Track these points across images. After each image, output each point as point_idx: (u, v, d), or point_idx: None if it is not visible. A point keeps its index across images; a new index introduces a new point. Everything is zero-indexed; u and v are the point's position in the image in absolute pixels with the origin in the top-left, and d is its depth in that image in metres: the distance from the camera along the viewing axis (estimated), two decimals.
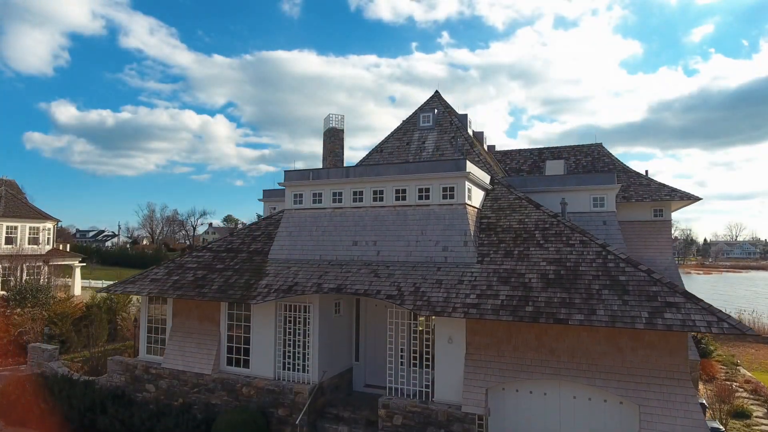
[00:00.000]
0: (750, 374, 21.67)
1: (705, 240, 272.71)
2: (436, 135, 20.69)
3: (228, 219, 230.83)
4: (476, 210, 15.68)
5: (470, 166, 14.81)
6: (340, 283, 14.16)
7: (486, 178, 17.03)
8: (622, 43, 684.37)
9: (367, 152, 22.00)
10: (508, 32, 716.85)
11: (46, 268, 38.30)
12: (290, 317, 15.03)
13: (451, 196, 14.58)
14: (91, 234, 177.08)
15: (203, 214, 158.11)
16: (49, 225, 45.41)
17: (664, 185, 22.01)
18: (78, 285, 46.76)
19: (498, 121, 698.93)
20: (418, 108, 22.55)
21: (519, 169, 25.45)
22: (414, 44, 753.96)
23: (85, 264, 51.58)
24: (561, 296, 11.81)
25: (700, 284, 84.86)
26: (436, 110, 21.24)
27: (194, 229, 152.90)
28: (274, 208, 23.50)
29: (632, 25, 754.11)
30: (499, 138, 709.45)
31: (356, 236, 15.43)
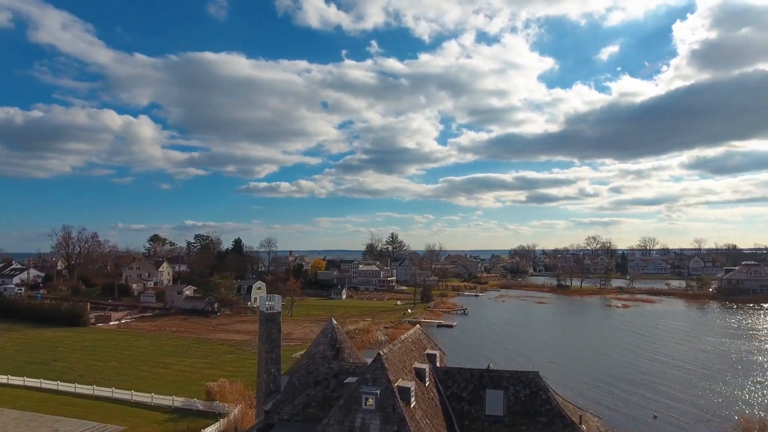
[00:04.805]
0: None
1: (623, 255, 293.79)
2: (379, 424, 19.94)
3: (154, 239, 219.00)
4: None
5: None
6: None
7: None
8: (539, 59, 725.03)
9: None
10: (434, 44, 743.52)
11: None
12: None
13: None
14: None
15: (130, 254, 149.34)
16: None
17: None
18: None
19: (429, 129, 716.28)
20: (362, 378, 21.66)
21: (460, 396, 25.32)
22: (344, 51, 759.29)
23: None
24: None
25: (616, 333, 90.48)
26: (379, 391, 20.50)
27: (118, 269, 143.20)
28: None
29: (548, 43, 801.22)
30: (430, 145, 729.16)
31: None
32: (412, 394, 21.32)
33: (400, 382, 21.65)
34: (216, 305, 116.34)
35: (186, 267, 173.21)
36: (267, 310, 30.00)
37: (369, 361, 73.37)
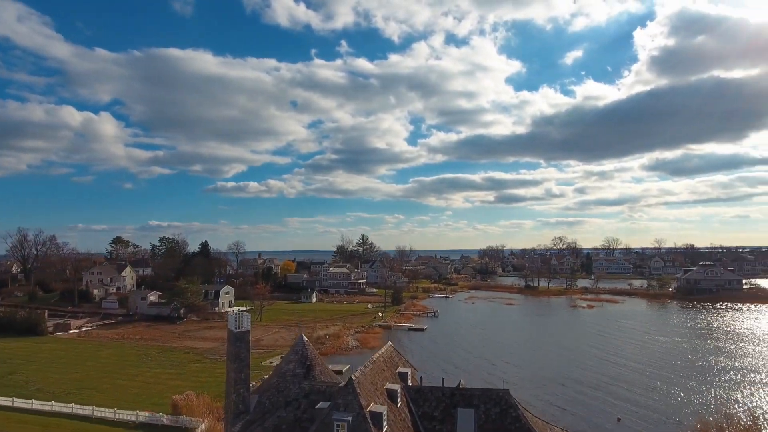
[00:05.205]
0: None
1: (588, 255, 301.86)
2: None
3: (117, 241, 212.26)
4: None
5: None
6: None
7: None
8: (507, 62, 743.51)
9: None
10: (404, 45, 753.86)
11: None
12: None
13: None
14: None
15: (91, 258, 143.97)
16: None
17: None
18: None
19: (399, 129, 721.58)
20: (334, 404, 21.43)
21: (431, 415, 25.37)
22: (313, 51, 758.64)
23: None
24: None
25: (581, 336, 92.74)
26: (351, 418, 20.32)
27: (78, 274, 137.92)
28: None
29: (515, 46, 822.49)
30: (400, 145, 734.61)
31: None
32: (384, 418, 21.22)
33: (372, 407, 21.51)
34: (182, 311, 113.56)
35: (150, 270, 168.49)
36: (236, 329, 29.24)
37: (342, 368, 72.60)
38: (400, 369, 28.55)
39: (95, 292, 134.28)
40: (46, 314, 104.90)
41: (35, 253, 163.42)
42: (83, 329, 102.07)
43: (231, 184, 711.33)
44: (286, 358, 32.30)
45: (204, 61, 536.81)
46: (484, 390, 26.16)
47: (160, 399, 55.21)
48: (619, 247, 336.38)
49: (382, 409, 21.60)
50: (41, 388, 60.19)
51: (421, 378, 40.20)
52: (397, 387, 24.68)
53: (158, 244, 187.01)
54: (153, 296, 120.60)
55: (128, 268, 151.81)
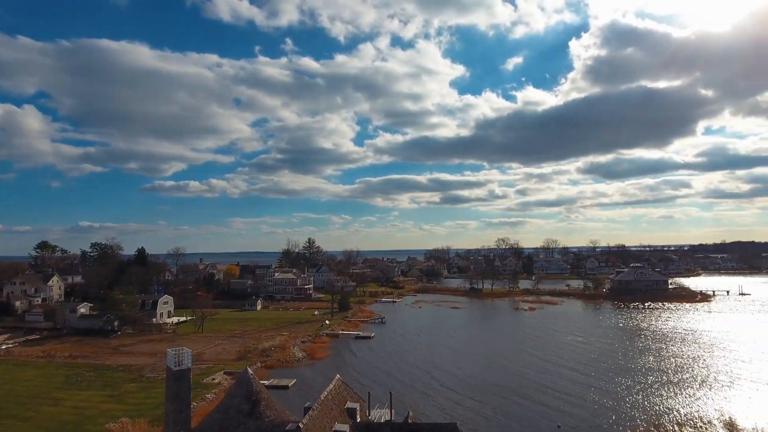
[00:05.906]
0: None
1: (529, 255, 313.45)
2: None
3: (43, 246, 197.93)
4: None
5: None
6: None
7: None
8: (451, 66, 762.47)
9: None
10: (350, 46, 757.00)
11: None
12: None
13: None
14: None
15: (12, 266, 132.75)
16: None
17: None
18: None
19: (346, 130, 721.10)
20: None
21: None
22: (258, 47, 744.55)
23: None
24: None
25: (522, 340, 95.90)
26: None
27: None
28: None
29: (459, 51, 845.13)
30: (347, 145, 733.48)
31: None
32: None
33: None
34: (116, 323, 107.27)
35: (81, 278, 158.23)
36: (175, 366, 27.71)
37: (288, 383, 70.50)
38: (349, 405, 28.03)
39: (17, 304, 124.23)
40: None
41: None
42: (3, 347, 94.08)
43: (170, 183, 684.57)
44: (230, 392, 30.98)
45: (140, 54, 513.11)
46: (433, 425, 26.15)
47: (93, 426, 51.89)
48: (558, 246, 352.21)
49: None
50: None
51: (369, 394, 39.86)
52: (346, 427, 24.16)
53: (89, 249, 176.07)
54: (83, 308, 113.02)
55: (55, 277, 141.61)
